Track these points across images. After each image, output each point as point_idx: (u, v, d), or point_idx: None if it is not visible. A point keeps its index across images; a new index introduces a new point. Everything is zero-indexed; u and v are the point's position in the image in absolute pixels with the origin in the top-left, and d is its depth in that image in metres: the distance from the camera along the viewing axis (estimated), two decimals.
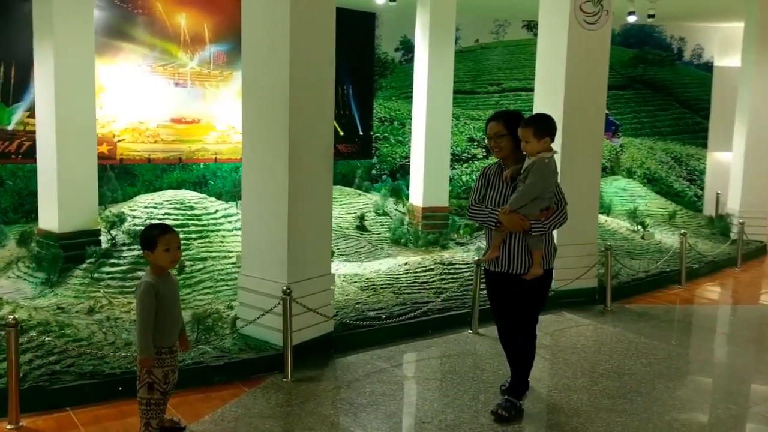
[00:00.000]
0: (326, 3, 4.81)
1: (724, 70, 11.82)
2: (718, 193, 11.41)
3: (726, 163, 11.38)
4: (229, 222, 7.22)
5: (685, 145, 12.10)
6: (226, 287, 6.22)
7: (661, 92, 12.07)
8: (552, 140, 3.90)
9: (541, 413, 4.19)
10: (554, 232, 4.09)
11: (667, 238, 9.19)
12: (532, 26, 11.46)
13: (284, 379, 4.53)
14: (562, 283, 6.41)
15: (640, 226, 9.14)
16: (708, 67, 11.98)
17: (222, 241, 6.88)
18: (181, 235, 6.64)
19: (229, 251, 6.77)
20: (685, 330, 6.27)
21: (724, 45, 11.86)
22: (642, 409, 4.26)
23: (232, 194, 9.10)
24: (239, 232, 7.09)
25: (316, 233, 4.90)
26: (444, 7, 8.57)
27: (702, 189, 12.10)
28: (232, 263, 6.57)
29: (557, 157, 4.06)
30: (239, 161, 9.44)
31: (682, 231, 7.79)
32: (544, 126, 3.87)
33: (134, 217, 6.78)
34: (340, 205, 9.24)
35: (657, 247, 8.58)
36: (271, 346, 4.76)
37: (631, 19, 9.92)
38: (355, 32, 9.72)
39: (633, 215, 9.45)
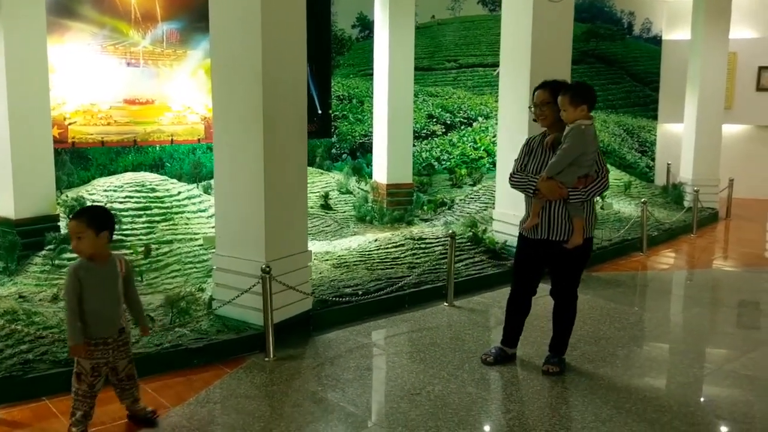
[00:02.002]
0: None
1: (672, 43, 12.10)
2: (668, 164, 11.74)
3: (675, 134, 11.71)
4: (193, 204, 7.05)
5: (636, 118, 12.36)
6: (194, 269, 6.08)
7: (612, 66, 12.27)
8: (590, 109, 3.96)
9: (525, 380, 4.24)
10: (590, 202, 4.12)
11: (624, 207, 9.40)
12: (487, 2, 11.48)
13: (266, 359, 4.46)
14: None
15: (598, 197, 9.30)
16: (657, 41, 12.23)
17: (187, 224, 6.72)
18: (144, 218, 6.54)
19: (195, 233, 6.61)
20: (651, 295, 6.44)
21: (671, 18, 12.12)
22: (622, 372, 4.36)
23: (191, 176, 8.88)
24: (204, 214, 6.95)
25: (292, 210, 4.82)
26: None
27: (653, 160, 12.41)
28: (199, 245, 6.43)
29: None
30: (196, 142, 9.22)
31: (643, 200, 7.98)
32: (580, 94, 3.94)
33: (94, 201, 6.54)
34: None
35: (616, 216, 8.77)
36: (250, 326, 4.68)
37: None
38: (311, 9, 9.47)
39: None
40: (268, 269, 4.42)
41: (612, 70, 12.28)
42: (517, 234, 6.32)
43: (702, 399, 4.04)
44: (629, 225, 8.00)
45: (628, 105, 12.36)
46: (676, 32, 12.08)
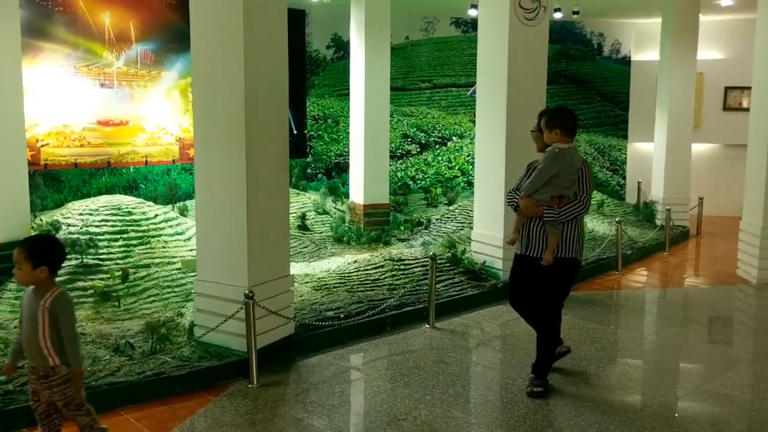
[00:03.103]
0: None
1: (641, 63, 12.37)
2: (639, 182, 11.93)
3: (645, 153, 11.94)
4: (170, 226, 6.97)
5: (607, 137, 12.58)
6: (173, 294, 6.00)
7: (583, 86, 12.49)
8: (564, 133, 4.17)
9: (510, 403, 4.26)
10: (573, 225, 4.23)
11: (598, 226, 9.53)
12: (459, 23, 11.64)
13: (249, 385, 4.41)
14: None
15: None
16: (626, 62, 12.49)
17: (164, 247, 6.63)
18: (121, 242, 6.45)
19: (173, 257, 6.53)
20: (628, 314, 6.53)
21: (640, 40, 12.41)
22: (604, 393, 4.41)
23: (167, 198, 8.80)
24: (181, 237, 6.88)
25: (274, 234, 4.81)
26: (378, 4, 8.56)
27: (624, 178, 12.62)
28: (177, 269, 6.35)
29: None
30: (171, 163, 9.14)
31: (618, 219, 8.11)
32: (553, 118, 4.20)
33: (69, 224, 6.43)
34: None
35: (591, 235, 8.89)
36: (232, 352, 4.63)
37: (557, 15, 10.22)
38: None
39: None
40: (251, 295, 4.39)
41: (583, 90, 12.50)
42: (496, 254, 6.48)
43: (683, 419, 4.09)
44: (605, 244, 8.12)
45: (599, 124, 12.58)
46: (644, 53, 12.36)
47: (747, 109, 9.60)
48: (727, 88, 11.70)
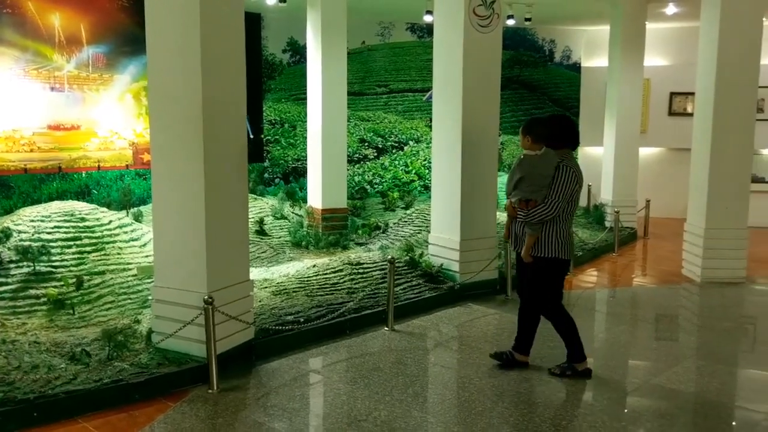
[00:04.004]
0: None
1: (591, 70, 12.72)
2: (589, 185, 12.25)
3: (595, 157, 12.26)
4: (125, 232, 6.89)
5: None
6: (129, 300, 5.94)
7: (535, 92, 12.78)
8: (533, 141, 4.49)
9: (468, 401, 4.36)
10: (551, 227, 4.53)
11: None
12: (415, 29, 11.78)
13: (210, 391, 4.42)
14: (466, 276, 6.69)
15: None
16: (576, 68, 12.83)
17: (119, 253, 6.55)
18: (74, 249, 6.36)
19: (128, 263, 6.46)
20: (579, 313, 6.70)
21: (589, 47, 12.76)
22: (557, 390, 4.55)
23: (120, 203, 8.68)
24: (137, 243, 6.81)
25: (233, 239, 4.81)
26: (334, 8, 8.62)
27: None
28: (133, 275, 6.29)
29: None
30: (125, 168, 9.02)
31: None
32: (527, 126, 4.57)
33: (20, 231, 6.29)
34: None
35: None
36: (192, 358, 4.62)
37: (510, 22, 10.45)
38: None
39: None
40: (210, 300, 4.39)
41: (535, 96, 12.78)
42: (453, 257, 6.65)
43: (632, 413, 4.26)
44: None
45: None
46: (594, 60, 12.71)
47: (691, 114, 9.99)
48: (672, 94, 12.13)
